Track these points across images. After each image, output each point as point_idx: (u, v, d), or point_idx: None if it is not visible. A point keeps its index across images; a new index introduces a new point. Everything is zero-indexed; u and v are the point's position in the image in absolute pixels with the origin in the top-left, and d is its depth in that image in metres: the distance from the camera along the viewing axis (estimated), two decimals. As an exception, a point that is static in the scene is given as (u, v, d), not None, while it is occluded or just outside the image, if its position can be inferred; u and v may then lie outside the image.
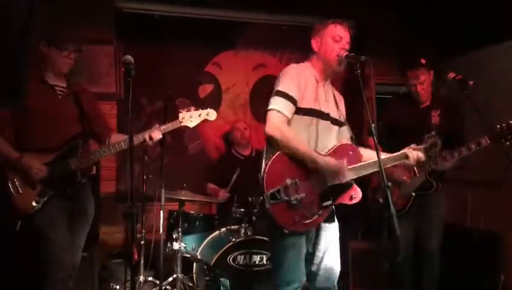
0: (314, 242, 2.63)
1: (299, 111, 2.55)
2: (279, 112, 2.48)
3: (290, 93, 2.51)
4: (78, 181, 2.86)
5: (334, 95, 2.75)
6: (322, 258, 2.64)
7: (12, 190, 2.75)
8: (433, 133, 2.77)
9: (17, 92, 2.81)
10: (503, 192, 3.98)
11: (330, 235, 2.66)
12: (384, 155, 2.61)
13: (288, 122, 2.52)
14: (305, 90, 2.55)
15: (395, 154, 2.68)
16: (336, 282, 2.68)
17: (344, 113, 2.77)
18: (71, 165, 2.83)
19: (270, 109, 2.49)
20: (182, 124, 2.94)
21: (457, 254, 3.83)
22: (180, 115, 2.93)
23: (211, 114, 3.01)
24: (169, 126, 2.93)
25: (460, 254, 3.84)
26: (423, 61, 3.46)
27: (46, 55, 2.85)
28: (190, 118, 2.95)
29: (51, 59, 2.86)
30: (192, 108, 2.99)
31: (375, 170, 2.56)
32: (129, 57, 2.47)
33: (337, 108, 2.72)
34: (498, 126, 3.01)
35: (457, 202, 4.37)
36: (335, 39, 2.63)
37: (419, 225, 3.50)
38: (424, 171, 3.36)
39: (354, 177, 2.59)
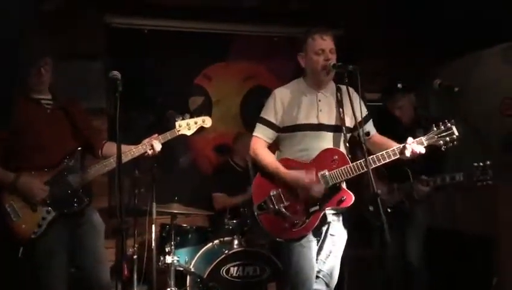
0: (319, 247, 2.75)
1: (285, 130, 2.78)
2: (257, 137, 2.81)
3: (268, 118, 2.79)
4: (81, 200, 2.73)
5: (338, 97, 2.75)
6: (324, 263, 2.76)
7: (11, 215, 2.59)
8: (451, 120, 2.62)
9: (9, 112, 2.80)
10: (494, 194, 4.01)
11: (335, 241, 2.78)
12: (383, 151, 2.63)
13: (275, 142, 2.81)
14: (285, 111, 2.75)
15: (392, 148, 2.63)
16: (333, 288, 2.81)
17: (357, 114, 2.63)
18: (72, 183, 2.71)
19: (252, 135, 2.84)
20: (180, 133, 2.93)
21: (449, 257, 3.84)
22: (177, 124, 2.93)
23: (206, 121, 3.05)
24: (167, 135, 2.89)
25: (452, 257, 3.86)
26: (399, 86, 3.47)
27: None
28: (187, 125, 2.95)
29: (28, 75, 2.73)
30: (187, 115, 2.99)
31: (363, 171, 2.57)
32: (116, 73, 2.49)
33: (339, 111, 2.73)
34: (474, 165, 3.13)
35: (447, 206, 4.39)
36: (317, 53, 2.70)
37: (404, 233, 3.52)
38: (403, 192, 3.41)
39: (342, 180, 2.64)
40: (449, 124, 2.59)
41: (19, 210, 2.62)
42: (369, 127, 2.84)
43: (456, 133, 2.57)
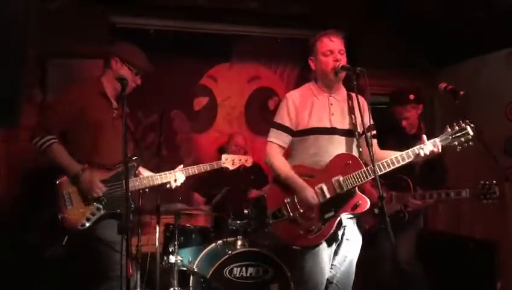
0: (334, 252, 2.74)
1: (298, 134, 2.76)
2: (272, 142, 2.79)
3: (282, 123, 2.77)
4: (131, 205, 2.72)
5: (349, 104, 2.75)
6: (339, 268, 2.75)
7: (66, 202, 2.69)
8: (466, 120, 2.58)
9: (10, 109, 2.81)
10: (498, 200, 4.00)
11: (350, 248, 2.76)
12: (394, 154, 2.62)
13: (287, 148, 2.79)
14: (298, 115, 2.74)
15: (404, 152, 2.61)
16: None
17: (366, 119, 2.65)
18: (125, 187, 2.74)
19: (267, 141, 2.82)
20: (224, 165, 3.25)
21: (453, 262, 3.84)
22: (224, 156, 3.25)
23: (249, 160, 3.34)
24: (207, 167, 3.15)
25: (456, 262, 3.85)
26: (411, 97, 3.46)
27: (115, 71, 2.79)
28: (232, 160, 3.26)
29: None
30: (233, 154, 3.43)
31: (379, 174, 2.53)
32: (123, 73, 2.54)
33: (351, 117, 2.73)
34: (481, 183, 3.09)
35: (451, 211, 4.39)
36: (325, 54, 2.71)
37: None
38: (401, 202, 3.38)
39: (356, 185, 2.62)
40: (463, 124, 2.55)
41: (74, 200, 2.70)
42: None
43: (471, 133, 2.52)
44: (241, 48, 4.96)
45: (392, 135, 3.54)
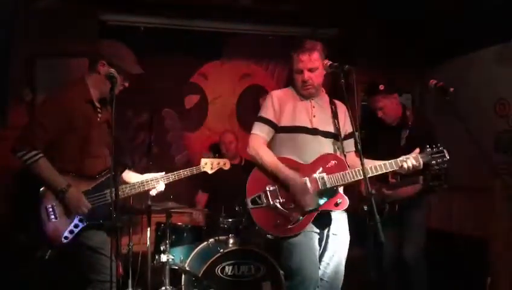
0: (323, 249, 2.78)
1: (280, 129, 2.83)
2: (256, 135, 2.85)
3: (266, 117, 2.84)
4: (117, 210, 2.64)
5: (332, 109, 2.84)
6: (328, 265, 2.79)
7: (50, 216, 2.62)
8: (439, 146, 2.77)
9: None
10: (488, 197, 4.03)
11: (338, 244, 2.80)
12: (378, 162, 2.70)
13: (270, 141, 2.85)
14: (281, 111, 2.82)
15: (388, 161, 2.71)
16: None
17: (348, 123, 2.82)
18: (108, 198, 2.69)
19: (251, 133, 2.88)
20: (204, 169, 3.24)
21: (444, 259, 3.86)
22: (203, 161, 3.24)
23: (227, 164, 3.36)
24: (187, 172, 3.09)
25: (446, 259, 3.87)
26: (381, 87, 3.49)
27: (103, 75, 2.66)
28: (211, 164, 3.26)
29: (105, 81, 2.62)
30: (211, 155, 3.44)
31: (360, 177, 2.62)
32: (112, 71, 2.51)
33: (334, 121, 2.81)
34: (431, 173, 3.20)
35: (442, 208, 4.41)
36: (297, 72, 2.80)
37: (400, 233, 3.53)
38: (379, 193, 3.42)
39: (339, 184, 2.68)
40: (441, 148, 2.73)
41: (58, 214, 2.64)
42: (350, 144, 2.87)
43: (447, 157, 2.71)
44: (232, 46, 4.94)
45: (375, 127, 3.57)
